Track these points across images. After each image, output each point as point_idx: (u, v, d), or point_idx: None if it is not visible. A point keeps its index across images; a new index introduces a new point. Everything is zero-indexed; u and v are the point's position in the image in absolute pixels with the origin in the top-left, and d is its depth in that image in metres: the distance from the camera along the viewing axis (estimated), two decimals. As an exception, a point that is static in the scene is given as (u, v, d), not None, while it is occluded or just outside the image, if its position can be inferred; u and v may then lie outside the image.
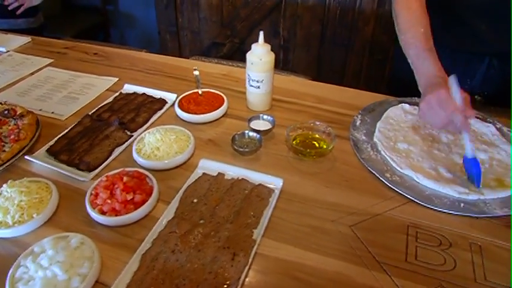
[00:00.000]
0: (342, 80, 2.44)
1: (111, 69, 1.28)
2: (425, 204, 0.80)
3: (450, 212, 0.78)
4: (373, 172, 0.87)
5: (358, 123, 1.02)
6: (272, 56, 0.99)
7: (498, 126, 1.03)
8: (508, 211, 0.79)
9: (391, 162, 0.90)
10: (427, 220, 0.77)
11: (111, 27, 2.88)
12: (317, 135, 0.94)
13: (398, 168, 0.88)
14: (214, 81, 1.19)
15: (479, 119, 1.05)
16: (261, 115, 0.98)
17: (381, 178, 0.85)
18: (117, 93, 1.13)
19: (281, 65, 2.53)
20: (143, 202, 0.75)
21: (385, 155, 0.92)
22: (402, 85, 1.25)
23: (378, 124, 1.02)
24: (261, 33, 0.97)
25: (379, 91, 1.18)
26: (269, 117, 0.97)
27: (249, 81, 1.01)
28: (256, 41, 0.98)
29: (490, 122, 1.04)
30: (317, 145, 0.92)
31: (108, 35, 2.86)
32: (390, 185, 0.83)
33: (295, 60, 2.51)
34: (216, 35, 2.52)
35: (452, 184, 0.84)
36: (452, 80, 0.85)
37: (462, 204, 0.80)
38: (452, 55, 1.17)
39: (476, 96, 1.22)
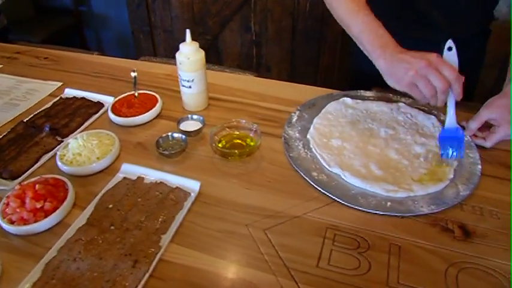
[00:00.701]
0: (316, 73, 2.41)
1: (58, 73, 1.26)
2: (349, 204, 0.77)
3: (375, 212, 0.76)
4: (299, 171, 0.84)
5: (294, 119, 1.00)
6: (201, 54, 0.97)
7: (442, 119, 1.00)
8: (434, 209, 0.76)
9: (321, 160, 0.88)
10: (349, 221, 0.74)
11: (85, 28, 2.86)
12: (245, 134, 0.92)
13: (327, 166, 0.86)
14: (157, 82, 1.17)
15: (423, 111, 1.02)
16: (191, 115, 0.96)
17: (305, 177, 0.83)
18: (56, 98, 1.12)
19: (254, 60, 2.50)
20: (55, 210, 0.74)
21: (316, 153, 0.90)
22: (362, 79, 1.22)
23: (315, 120, 0.99)
24: (187, 31, 0.95)
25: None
26: (200, 117, 0.96)
27: (180, 81, 1.00)
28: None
29: (434, 114, 1.01)
30: (245, 144, 0.90)
31: (84, 37, 2.84)
32: (314, 185, 0.81)
33: (268, 55, 2.48)
34: (188, 32, 2.47)
35: (381, 182, 0.82)
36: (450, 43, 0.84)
37: (389, 203, 0.77)
38: (406, 43, 1.14)
39: None
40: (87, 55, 1.38)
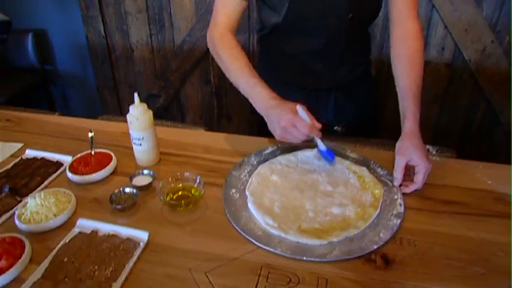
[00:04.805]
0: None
1: (20, 134, 1.34)
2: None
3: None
4: (227, 214, 0.94)
5: (251, 160, 1.12)
6: (149, 114, 1.08)
7: (372, 167, 1.10)
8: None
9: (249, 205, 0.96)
10: (281, 259, 0.83)
11: (51, 85, 2.94)
12: (190, 186, 1.01)
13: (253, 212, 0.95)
14: (112, 140, 1.26)
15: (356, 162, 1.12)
16: (142, 171, 1.06)
17: (233, 223, 0.92)
18: (17, 159, 1.19)
19: (216, 110, 2.65)
20: (11, 267, 0.80)
21: (247, 194, 0.99)
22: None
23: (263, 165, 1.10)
24: (136, 95, 1.06)
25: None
26: (150, 172, 1.05)
27: (132, 139, 1.10)
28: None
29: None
30: (190, 195, 0.99)
31: (50, 95, 2.91)
32: (240, 231, 0.89)
33: (229, 104, 2.63)
34: (151, 87, 2.63)
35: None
36: (299, 108, 0.99)
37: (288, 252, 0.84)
38: (303, 93, 1.31)
39: (336, 127, 1.35)
40: (48, 115, 1.47)
